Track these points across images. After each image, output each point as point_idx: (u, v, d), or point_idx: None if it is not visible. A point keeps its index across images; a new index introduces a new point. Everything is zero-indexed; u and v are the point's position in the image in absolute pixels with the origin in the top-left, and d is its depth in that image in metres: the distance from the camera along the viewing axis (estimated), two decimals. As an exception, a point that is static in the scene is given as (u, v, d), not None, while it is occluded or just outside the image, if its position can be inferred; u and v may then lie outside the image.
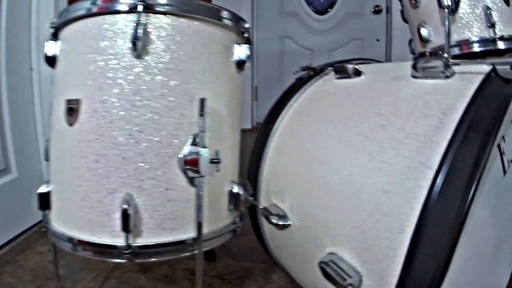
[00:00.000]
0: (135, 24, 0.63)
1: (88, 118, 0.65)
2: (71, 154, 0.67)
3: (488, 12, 0.90)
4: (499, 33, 0.91)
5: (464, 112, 0.55)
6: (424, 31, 0.95)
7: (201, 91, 0.68)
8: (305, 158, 0.69)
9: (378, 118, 0.62)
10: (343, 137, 0.64)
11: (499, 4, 0.92)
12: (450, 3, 0.85)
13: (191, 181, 0.66)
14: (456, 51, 0.93)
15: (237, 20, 0.74)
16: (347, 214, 0.60)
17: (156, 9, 0.65)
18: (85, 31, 0.67)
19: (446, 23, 0.82)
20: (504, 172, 0.61)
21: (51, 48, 0.72)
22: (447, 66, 0.61)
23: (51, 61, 0.72)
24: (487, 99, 0.57)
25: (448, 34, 0.83)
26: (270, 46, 3.36)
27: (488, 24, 0.91)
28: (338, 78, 0.76)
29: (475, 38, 0.91)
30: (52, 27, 0.73)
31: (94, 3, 0.66)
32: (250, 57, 0.75)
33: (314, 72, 0.82)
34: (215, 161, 0.67)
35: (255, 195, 0.77)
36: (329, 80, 0.78)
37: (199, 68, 0.68)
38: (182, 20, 0.67)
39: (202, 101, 0.64)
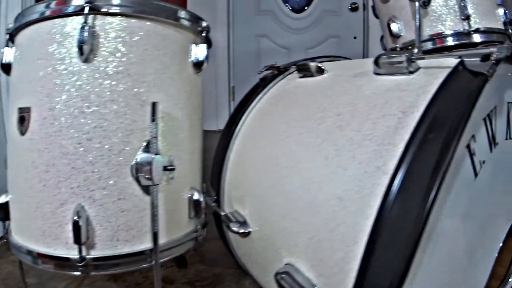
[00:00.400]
0: (82, 25, 0.60)
1: (38, 127, 0.62)
2: (24, 164, 0.64)
3: (463, 4, 0.85)
4: (474, 26, 0.86)
5: (425, 110, 0.50)
6: (394, 26, 0.90)
7: (154, 94, 0.64)
8: (264, 162, 0.64)
9: (336, 119, 0.57)
10: (301, 140, 0.60)
11: None
12: None
13: (145, 189, 0.63)
14: (428, 45, 0.88)
15: (194, 19, 0.70)
16: (303, 223, 0.55)
17: (104, 10, 0.61)
18: (37, 36, 0.65)
19: (417, 16, 0.77)
20: (476, 174, 0.55)
21: (7, 54, 0.70)
22: (410, 60, 0.56)
23: (6, 68, 0.69)
24: (452, 94, 0.52)
25: (419, 28, 0.78)
26: (246, 45, 3.28)
27: (463, 17, 0.85)
28: (301, 77, 0.72)
29: (448, 32, 0.86)
30: (8, 33, 0.70)
31: (47, 6, 0.63)
32: (208, 57, 0.71)
33: (278, 71, 0.77)
34: (169, 168, 0.63)
35: (218, 201, 0.73)
36: (293, 79, 0.73)
37: (151, 71, 0.64)
38: (132, 20, 0.63)
39: (154, 105, 0.61)
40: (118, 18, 0.62)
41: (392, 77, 0.57)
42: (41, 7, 0.63)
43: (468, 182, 0.55)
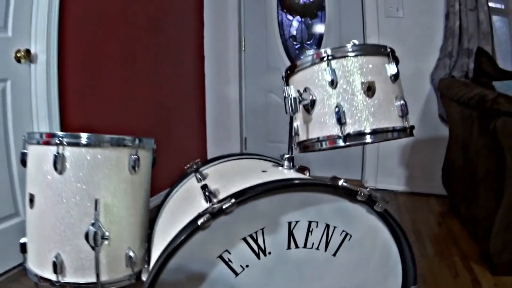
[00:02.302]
0: (55, 154, 1.07)
1: (38, 206, 1.13)
2: (31, 225, 1.16)
3: (337, 110, 1.09)
4: (350, 130, 1.10)
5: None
6: (295, 124, 1.21)
7: (98, 192, 1.10)
8: (161, 231, 1.08)
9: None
10: (168, 228, 1.02)
11: (357, 98, 1.10)
12: (292, 109, 1.10)
13: (92, 248, 1.10)
14: (318, 145, 1.15)
15: (131, 141, 1.14)
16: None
17: (66, 143, 1.08)
18: (35, 154, 1.15)
19: (290, 125, 1.09)
20: (236, 274, 0.92)
21: (24, 155, 1.19)
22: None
23: (24, 163, 1.20)
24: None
25: (290, 137, 1.10)
26: (256, 99, 3.82)
27: (338, 122, 1.09)
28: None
29: (329, 135, 1.12)
30: (23, 142, 1.20)
31: (40, 136, 1.12)
32: (138, 163, 1.14)
33: (193, 171, 1.18)
34: (105, 238, 1.10)
35: (149, 256, 1.19)
36: (190, 181, 1.15)
37: (97, 179, 1.10)
38: (83, 149, 1.10)
39: (96, 201, 1.07)
40: (75, 147, 1.09)
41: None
42: (37, 136, 1.12)
43: (226, 278, 0.92)
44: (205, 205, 0.93)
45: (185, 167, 1.21)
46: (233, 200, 0.85)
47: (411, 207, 3.01)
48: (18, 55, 1.86)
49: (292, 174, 1.13)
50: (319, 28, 3.59)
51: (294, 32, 3.69)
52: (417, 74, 3.07)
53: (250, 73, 3.80)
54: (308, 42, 3.65)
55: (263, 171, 1.10)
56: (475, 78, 2.67)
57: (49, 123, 1.99)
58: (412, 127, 1.16)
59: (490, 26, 2.81)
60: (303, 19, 3.64)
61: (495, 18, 2.94)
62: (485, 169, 2.03)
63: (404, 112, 1.15)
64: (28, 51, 1.88)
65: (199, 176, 1.16)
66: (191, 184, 1.16)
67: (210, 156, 3.90)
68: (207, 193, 0.93)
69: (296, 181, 0.94)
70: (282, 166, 1.19)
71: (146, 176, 1.24)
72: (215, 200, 0.87)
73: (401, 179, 3.41)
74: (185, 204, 1.05)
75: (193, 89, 3.69)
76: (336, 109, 1.10)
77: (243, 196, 0.86)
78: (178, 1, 3.35)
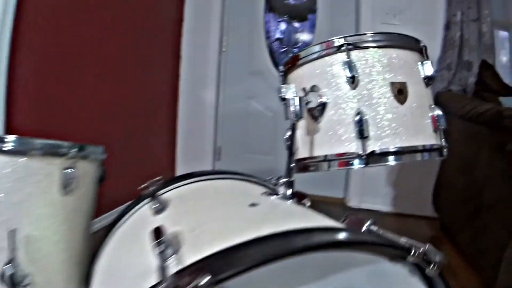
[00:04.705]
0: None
1: None
2: None
3: (359, 119, 0.80)
4: (374, 147, 0.80)
5: None
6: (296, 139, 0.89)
7: (17, 220, 0.79)
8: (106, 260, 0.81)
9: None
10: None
11: (386, 104, 0.82)
12: (297, 114, 0.79)
13: (11, 291, 0.78)
14: (324, 166, 0.86)
15: (58, 146, 0.83)
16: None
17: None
18: None
19: (291, 138, 0.83)
20: None
21: None
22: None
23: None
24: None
25: (289, 157, 0.83)
26: (235, 106, 3.44)
27: (359, 136, 0.80)
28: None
29: (343, 152, 0.82)
30: None
31: None
32: (75, 180, 0.83)
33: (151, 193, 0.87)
34: (24, 285, 0.79)
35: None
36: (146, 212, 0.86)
37: (16, 201, 0.78)
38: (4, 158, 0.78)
39: (11, 233, 0.76)
40: (-9, 155, 0.77)
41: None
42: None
43: None
44: (154, 266, 0.56)
45: (138, 188, 0.90)
46: (207, 278, 0.46)
47: (398, 230, 2.77)
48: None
49: (301, 215, 0.77)
50: (308, 32, 3.34)
51: (281, 35, 3.41)
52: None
53: (230, 76, 3.43)
54: (296, 47, 3.37)
55: (252, 205, 0.75)
56: (477, 93, 2.48)
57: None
58: (446, 146, 0.89)
59: (492, 39, 2.62)
60: (291, 22, 3.37)
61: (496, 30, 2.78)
62: (496, 195, 1.79)
63: (440, 126, 0.88)
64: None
65: (157, 206, 0.81)
66: (145, 214, 0.84)
67: (179, 166, 3.52)
68: (161, 250, 0.56)
69: (328, 238, 0.58)
70: (276, 194, 0.86)
71: (86, 197, 0.92)
72: (173, 270, 0.52)
73: (387, 198, 3.14)
74: (132, 248, 0.74)
75: (166, 92, 3.30)
76: (357, 117, 0.81)
77: (226, 271, 0.47)
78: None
